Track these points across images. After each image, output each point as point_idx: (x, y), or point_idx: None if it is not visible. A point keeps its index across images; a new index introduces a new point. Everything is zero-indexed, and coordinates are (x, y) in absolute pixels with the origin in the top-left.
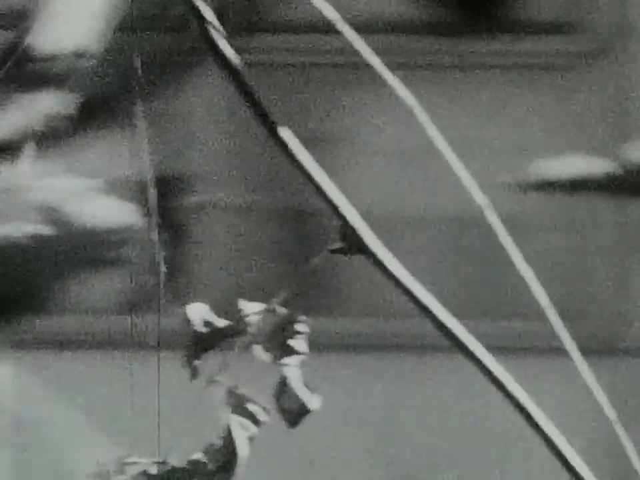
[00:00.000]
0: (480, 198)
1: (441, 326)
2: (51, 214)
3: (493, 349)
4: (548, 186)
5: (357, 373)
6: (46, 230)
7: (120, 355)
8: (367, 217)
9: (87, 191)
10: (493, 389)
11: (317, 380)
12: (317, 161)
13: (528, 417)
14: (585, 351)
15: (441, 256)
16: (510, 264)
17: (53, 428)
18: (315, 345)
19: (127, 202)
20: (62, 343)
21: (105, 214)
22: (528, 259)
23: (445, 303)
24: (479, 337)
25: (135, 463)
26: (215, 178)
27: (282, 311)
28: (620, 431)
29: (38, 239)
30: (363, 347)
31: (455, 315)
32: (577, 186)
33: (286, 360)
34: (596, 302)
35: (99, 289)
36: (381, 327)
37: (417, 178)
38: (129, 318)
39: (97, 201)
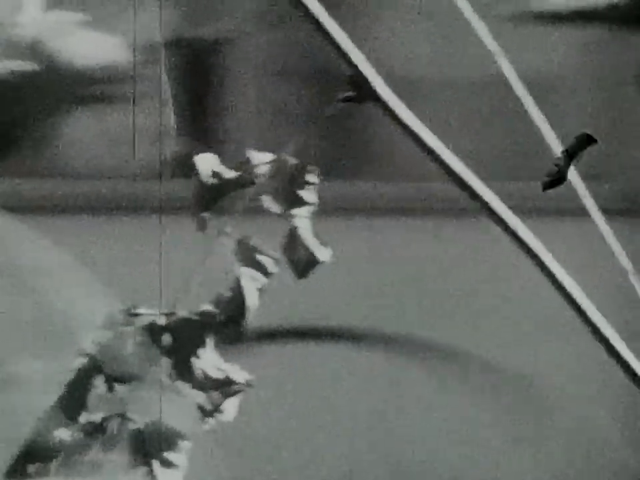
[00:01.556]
0: (492, 45)
1: (463, 185)
2: (36, 49)
3: (517, 210)
4: (551, 17)
5: (379, 237)
6: (31, 66)
7: (125, 217)
8: (388, 78)
9: (75, 26)
10: (517, 249)
11: (334, 244)
12: (340, 23)
13: (550, 276)
14: (612, 212)
15: (464, 117)
16: (534, 124)
17: (54, 279)
18: (337, 209)
19: (117, 37)
20: (66, 207)
21: (92, 50)
22: (555, 118)
23: (469, 164)
24: (503, 198)
25: (142, 314)
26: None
27: (292, 161)
28: (638, 285)
29: (23, 76)
30: (386, 210)
31: (479, 176)
32: (580, 16)
33: (295, 211)
34: (622, 161)
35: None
36: (404, 190)
37: (440, 39)
38: (132, 182)
39: (84, 36)
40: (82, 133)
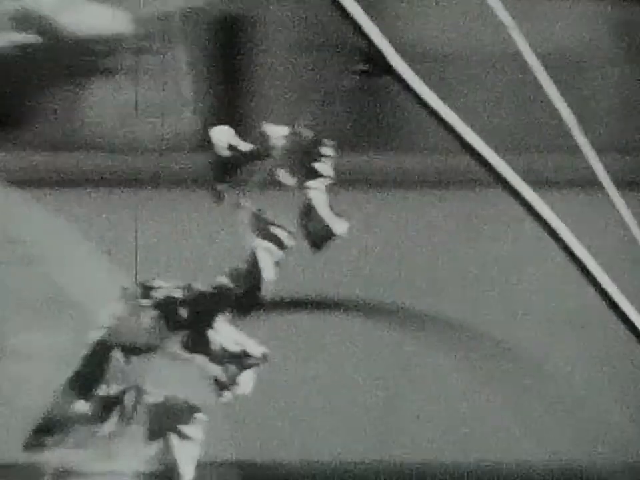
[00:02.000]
0: (506, 19)
1: (478, 158)
2: (39, 22)
3: (531, 182)
4: None
5: (396, 210)
6: (38, 39)
7: (137, 190)
8: (405, 53)
9: None
10: (532, 221)
11: (357, 217)
12: None
13: (564, 247)
14: (626, 184)
15: (480, 91)
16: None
17: (63, 253)
18: (358, 182)
19: (119, 10)
20: (87, 181)
21: (95, 22)
22: (580, 94)
23: (484, 137)
24: (518, 170)
25: (159, 287)
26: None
27: (307, 133)
28: None
29: (27, 49)
30: (402, 183)
31: (494, 148)
32: None
33: (311, 183)
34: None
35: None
36: (420, 163)
37: (457, 14)
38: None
39: (87, 9)
40: (90, 106)
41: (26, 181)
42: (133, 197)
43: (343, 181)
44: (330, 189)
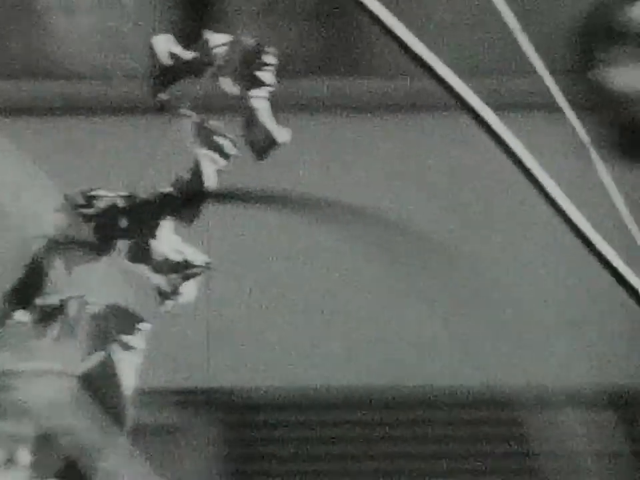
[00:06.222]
0: None
1: (438, 80)
2: None
3: (493, 106)
4: None
5: (363, 133)
6: None
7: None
8: None
9: None
10: (493, 144)
11: (327, 141)
12: None
13: (525, 171)
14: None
15: (438, 14)
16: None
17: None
18: (324, 106)
19: None
20: (62, 109)
21: None
22: (537, 16)
23: (444, 60)
24: (480, 94)
25: (101, 196)
26: None
27: (249, 41)
28: (607, 181)
29: None
30: (366, 108)
31: (457, 73)
32: None
33: (254, 92)
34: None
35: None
36: (383, 87)
37: None
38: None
39: None
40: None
41: None
42: (85, 122)
43: (305, 104)
44: (288, 110)
